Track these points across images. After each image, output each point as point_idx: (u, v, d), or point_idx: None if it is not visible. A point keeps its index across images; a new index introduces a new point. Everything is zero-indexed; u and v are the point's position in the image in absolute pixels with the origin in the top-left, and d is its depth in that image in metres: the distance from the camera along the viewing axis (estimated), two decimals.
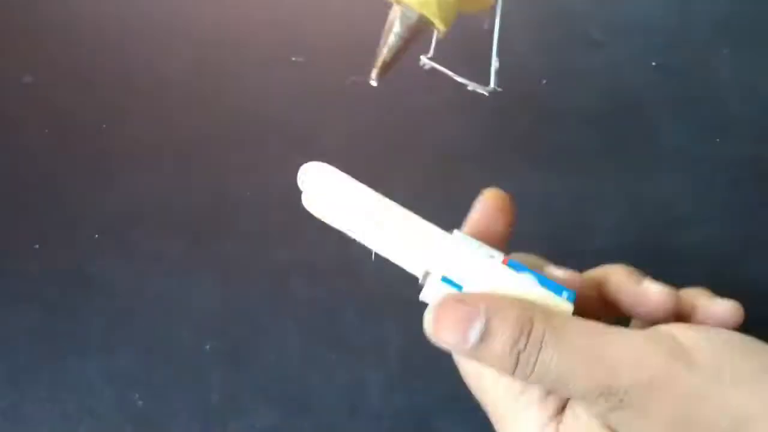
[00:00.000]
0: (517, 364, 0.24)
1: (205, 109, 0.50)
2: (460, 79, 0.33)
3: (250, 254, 0.43)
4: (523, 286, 0.26)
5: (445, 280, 0.26)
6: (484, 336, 0.24)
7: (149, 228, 0.44)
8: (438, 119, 0.49)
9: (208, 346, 0.40)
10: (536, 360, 0.24)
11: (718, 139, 0.49)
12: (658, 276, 0.29)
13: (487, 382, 0.27)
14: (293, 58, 0.54)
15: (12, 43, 0.54)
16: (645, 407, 0.23)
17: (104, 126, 0.49)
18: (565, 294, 0.26)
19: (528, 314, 0.25)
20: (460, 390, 0.30)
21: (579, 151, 0.49)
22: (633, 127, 0.50)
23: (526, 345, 0.24)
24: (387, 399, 0.38)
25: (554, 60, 0.53)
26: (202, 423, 0.37)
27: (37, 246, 0.43)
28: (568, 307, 0.26)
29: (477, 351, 0.24)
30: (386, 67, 0.32)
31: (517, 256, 0.28)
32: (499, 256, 0.27)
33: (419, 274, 0.27)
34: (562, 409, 0.26)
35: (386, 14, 0.32)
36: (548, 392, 0.26)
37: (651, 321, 0.27)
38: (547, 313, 0.25)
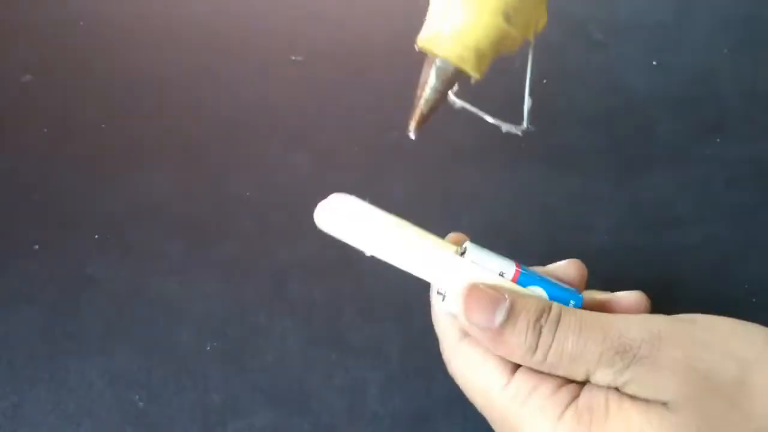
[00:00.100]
0: (538, 340, 0.27)
1: (205, 109, 0.50)
2: (492, 120, 0.34)
3: (250, 254, 0.43)
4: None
5: None
6: (510, 314, 0.27)
7: (149, 228, 0.44)
8: (438, 119, 0.49)
9: (208, 347, 0.40)
10: (555, 333, 0.27)
11: (717, 139, 0.49)
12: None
13: (493, 394, 0.28)
14: (293, 57, 0.54)
15: (12, 43, 0.54)
16: (657, 359, 0.26)
17: (104, 126, 0.49)
18: (572, 303, 0.29)
19: (546, 301, 0.28)
20: (460, 390, 0.30)
21: (579, 151, 0.49)
22: (633, 127, 0.50)
23: (546, 320, 0.27)
24: (387, 399, 0.38)
25: (554, 60, 0.53)
26: (202, 423, 0.37)
27: (37, 246, 0.43)
28: None
29: (503, 329, 0.27)
30: (424, 120, 0.32)
31: None
32: (510, 268, 0.29)
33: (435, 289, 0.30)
34: (574, 399, 0.27)
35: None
36: (562, 378, 0.28)
37: None
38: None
